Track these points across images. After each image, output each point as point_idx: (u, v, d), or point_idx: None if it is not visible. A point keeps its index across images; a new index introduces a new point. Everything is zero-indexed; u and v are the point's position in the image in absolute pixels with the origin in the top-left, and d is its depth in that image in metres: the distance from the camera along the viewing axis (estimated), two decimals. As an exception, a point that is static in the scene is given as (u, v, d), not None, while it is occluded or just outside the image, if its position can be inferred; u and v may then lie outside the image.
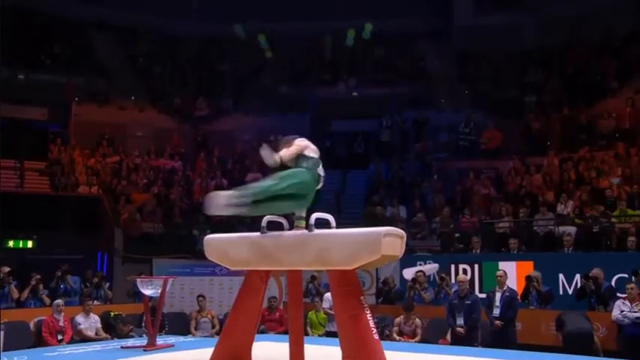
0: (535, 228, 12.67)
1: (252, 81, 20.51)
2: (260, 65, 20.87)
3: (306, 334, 8.46)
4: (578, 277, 10.24)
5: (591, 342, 8.70)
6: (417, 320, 9.71)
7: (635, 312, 8.45)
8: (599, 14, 17.68)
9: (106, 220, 14.81)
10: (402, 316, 9.77)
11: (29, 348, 8.31)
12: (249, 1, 19.43)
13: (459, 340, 8.77)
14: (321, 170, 4.67)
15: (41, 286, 10.93)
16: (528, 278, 10.10)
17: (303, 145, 4.74)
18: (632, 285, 8.69)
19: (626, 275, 9.57)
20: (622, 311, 8.58)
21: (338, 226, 4.49)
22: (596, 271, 9.62)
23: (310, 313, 10.55)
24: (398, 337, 9.44)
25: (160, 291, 6.80)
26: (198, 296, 11.23)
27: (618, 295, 9.32)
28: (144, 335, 7.94)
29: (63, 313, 9.60)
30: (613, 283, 9.86)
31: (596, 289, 9.56)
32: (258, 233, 4.64)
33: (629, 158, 13.74)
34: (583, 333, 8.71)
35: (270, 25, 20.24)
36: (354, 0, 19.36)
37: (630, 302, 8.58)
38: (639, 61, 16.08)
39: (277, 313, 10.74)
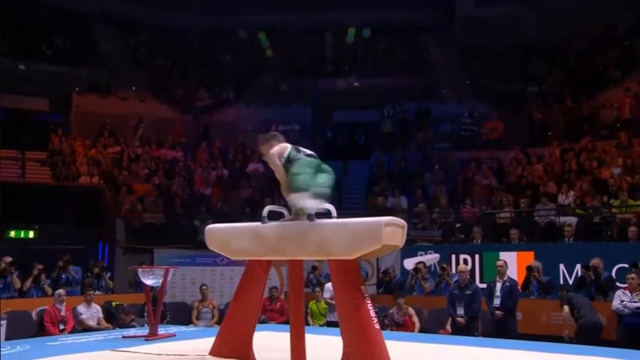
0: (536, 218, 12.68)
1: (254, 73, 20.46)
2: (262, 57, 20.82)
3: (307, 324, 8.45)
4: (578, 267, 10.22)
5: (600, 334, 8.67)
6: (411, 309, 9.71)
7: (636, 302, 8.45)
8: (601, 7, 17.62)
9: (108, 210, 14.83)
10: (395, 307, 9.79)
11: (31, 337, 8.35)
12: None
13: (459, 330, 8.78)
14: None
15: (43, 276, 10.95)
16: (529, 268, 10.12)
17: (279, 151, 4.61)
18: (633, 275, 8.69)
19: (626, 265, 9.55)
20: (622, 301, 8.58)
21: (339, 217, 4.48)
22: (595, 261, 9.62)
23: (311, 303, 10.57)
24: (389, 328, 9.34)
25: (161, 281, 6.80)
26: (202, 285, 11.24)
27: (618, 285, 9.32)
28: (145, 325, 7.97)
29: (65, 303, 9.63)
30: (613, 273, 9.86)
31: (596, 278, 9.56)
32: (259, 223, 4.63)
33: (630, 148, 13.71)
34: (596, 326, 8.69)
35: (271, 18, 20.19)
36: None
37: (630, 292, 8.58)
38: (642, 51, 16.07)
39: (278, 303, 10.76)
